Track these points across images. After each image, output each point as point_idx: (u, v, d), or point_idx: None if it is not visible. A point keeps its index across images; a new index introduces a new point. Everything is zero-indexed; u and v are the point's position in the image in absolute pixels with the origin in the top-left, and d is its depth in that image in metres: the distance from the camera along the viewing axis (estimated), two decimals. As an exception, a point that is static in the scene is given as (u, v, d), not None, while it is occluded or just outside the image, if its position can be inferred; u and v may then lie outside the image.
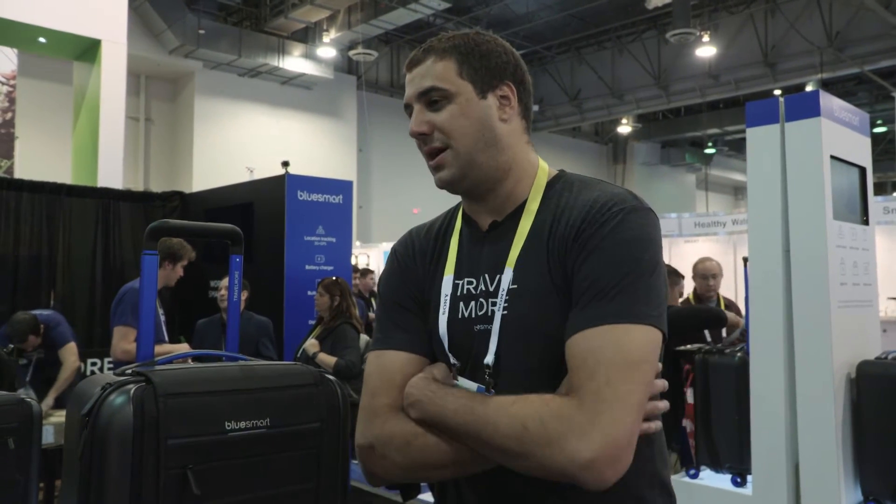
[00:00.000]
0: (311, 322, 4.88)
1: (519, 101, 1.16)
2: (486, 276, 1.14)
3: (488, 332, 1.10)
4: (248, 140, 14.98)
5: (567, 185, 1.16)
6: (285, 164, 5.32)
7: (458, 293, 1.16)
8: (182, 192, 6.44)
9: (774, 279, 2.64)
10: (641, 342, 1.00)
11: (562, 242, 1.08)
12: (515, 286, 1.09)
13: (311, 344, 4.43)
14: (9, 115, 9.61)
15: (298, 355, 4.48)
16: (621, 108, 17.76)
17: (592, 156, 22.38)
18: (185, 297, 5.77)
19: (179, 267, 3.94)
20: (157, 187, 12.23)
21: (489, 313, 1.11)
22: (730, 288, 8.49)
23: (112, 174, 7.16)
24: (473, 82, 1.12)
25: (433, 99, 1.12)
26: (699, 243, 8.97)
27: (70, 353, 4.47)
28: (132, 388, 0.88)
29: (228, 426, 0.91)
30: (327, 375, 1.03)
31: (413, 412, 1.06)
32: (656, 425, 1.07)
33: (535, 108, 17.96)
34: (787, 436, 2.60)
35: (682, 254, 9.20)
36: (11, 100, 9.56)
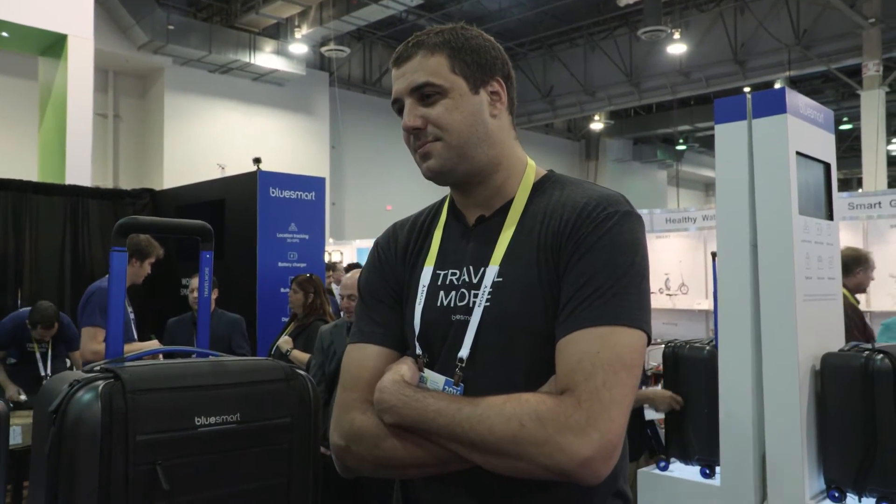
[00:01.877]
0: (285, 319, 4.85)
1: (508, 97, 1.18)
2: (471, 268, 1.14)
3: (466, 324, 1.11)
4: (219, 137, 14.83)
5: (556, 183, 1.18)
6: (257, 160, 5.28)
7: (439, 283, 1.17)
8: (152, 190, 6.36)
9: (742, 273, 2.69)
10: (634, 346, 1.02)
11: (555, 238, 1.09)
12: (501, 279, 1.10)
13: (284, 341, 4.41)
14: (-28, 112, 9.38)
15: (272, 352, 4.46)
16: (593, 105, 17.90)
17: (565, 152, 22.53)
18: (156, 296, 5.71)
19: (147, 264, 3.89)
20: (126, 185, 12.05)
21: (470, 304, 1.12)
22: (699, 282, 8.61)
23: (80, 171, 7.05)
24: (466, 78, 1.13)
25: (426, 94, 1.12)
26: (670, 238, 9.06)
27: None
28: (100, 384, 0.88)
29: (198, 421, 0.91)
30: (298, 371, 1.03)
31: (388, 418, 1.06)
32: None
33: (509, 104, 18.17)
34: (754, 427, 2.65)
35: (653, 249, 9.29)
36: (-25, 95, 9.34)
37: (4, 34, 7.72)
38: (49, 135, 7.71)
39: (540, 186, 1.17)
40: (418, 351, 1.15)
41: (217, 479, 0.92)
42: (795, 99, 2.73)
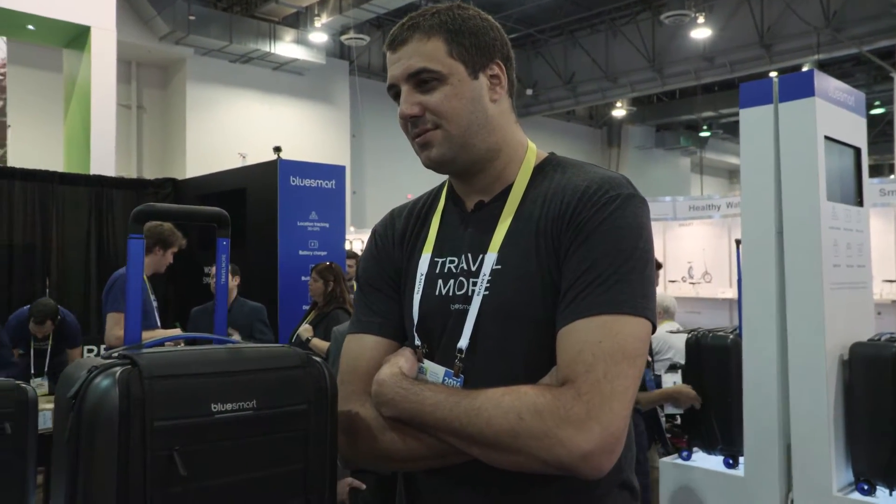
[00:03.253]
0: (306, 307, 4.88)
1: (507, 80, 1.14)
2: (469, 255, 1.12)
3: (465, 313, 1.08)
4: (240, 126, 14.90)
5: (557, 166, 1.14)
6: (277, 149, 5.29)
7: (437, 271, 1.14)
8: (175, 179, 6.42)
9: (767, 261, 2.64)
10: (637, 335, 0.99)
11: (555, 223, 1.06)
12: (499, 267, 1.07)
13: (304, 329, 4.44)
14: (0, 104, 9.51)
15: (293, 340, 4.48)
16: (615, 92, 17.70)
17: (586, 140, 22.34)
18: (180, 285, 5.77)
19: (170, 253, 3.93)
20: (150, 174, 12.17)
21: (468, 293, 1.09)
22: (723, 271, 8.51)
23: (104, 162, 7.12)
24: (465, 62, 1.09)
25: (423, 80, 1.08)
26: (694, 227, 8.97)
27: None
28: (118, 370, 0.87)
29: (215, 408, 0.90)
30: (314, 357, 1.02)
31: (386, 411, 1.05)
32: None
33: (529, 92, 17.93)
34: (779, 417, 2.61)
35: (676, 237, 9.21)
36: (2, 88, 9.47)
37: (30, 27, 7.81)
38: (74, 126, 7.80)
39: (541, 170, 1.14)
40: (417, 342, 1.13)
41: (234, 465, 0.92)
42: (824, 82, 2.67)
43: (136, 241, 1.05)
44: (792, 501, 2.58)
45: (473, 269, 1.10)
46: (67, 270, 5.65)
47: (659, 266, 4.58)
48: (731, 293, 7.96)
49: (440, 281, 1.13)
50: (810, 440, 2.53)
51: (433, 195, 1.25)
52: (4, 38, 9.17)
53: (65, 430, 0.88)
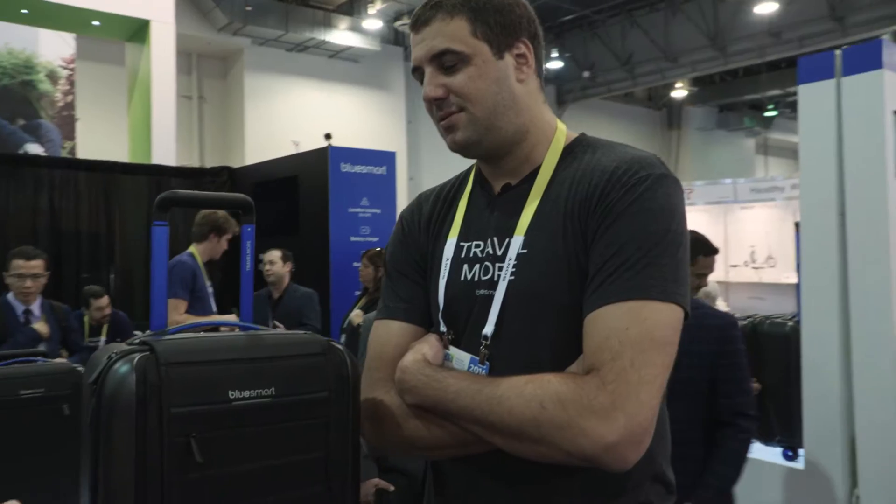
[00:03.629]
0: (357, 293, 4.91)
1: (535, 58, 1.10)
2: (495, 239, 1.08)
3: (490, 299, 1.05)
4: (297, 114, 15.10)
5: (587, 147, 1.10)
6: (327, 136, 5.33)
7: (463, 255, 1.12)
8: (230, 167, 6.55)
9: (828, 243, 2.51)
10: (667, 322, 0.94)
11: (583, 205, 1.02)
12: (525, 251, 1.04)
13: (355, 315, 4.46)
14: (70, 98, 9.89)
15: (344, 326, 4.53)
16: (675, 72, 17.19)
17: (645, 122, 21.83)
18: (237, 270, 5.88)
19: (224, 240, 4.00)
20: (211, 163, 12.43)
21: (494, 278, 1.06)
22: (788, 255, 8.21)
23: (165, 151, 7.32)
24: (489, 42, 1.05)
25: (447, 61, 1.05)
26: (756, 210, 8.68)
27: None
28: (136, 356, 0.87)
29: (232, 395, 0.90)
30: (336, 345, 1.00)
31: (408, 398, 1.04)
32: None
33: (586, 74, 17.61)
34: (841, 408, 2.49)
35: (737, 220, 8.92)
36: (71, 83, 9.83)
37: (95, 23, 8.08)
38: (136, 117, 8.04)
39: (570, 151, 1.10)
40: (443, 328, 1.11)
41: (253, 453, 0.91)
42: (894, 53, 2.51)
43: (159, 229, 1.06)
44: (857, 498, 2.47)
45: (499, 253, 1.07)
46: (130, 258, 5.85)
47: (715, 251, 4.45)
48: (797, 278, 7.69)
49: (465, 266, 1.11)
50: (877, 433, 2.41)
51: (461, 179, 1.22)
52: (73, 35, 9.51)
53: (87, 414, 0.89)
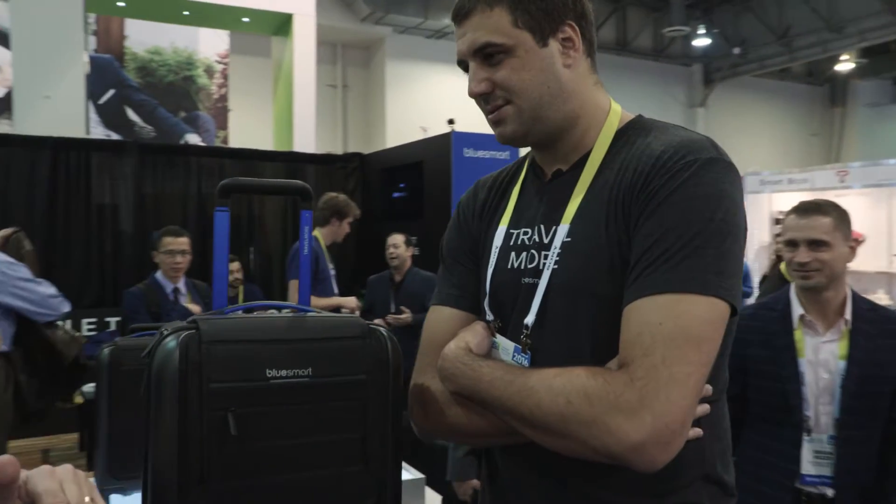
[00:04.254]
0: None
1: (583, 39, 1.05)
2: (542, 227, 1.07)
3: (534, 288, 1.04)
4: (433, 100, 15.34)
5: (641, 130, 1.05)
6: (450, 121, 5.38)
7: (511, 243, 1.11)
8: (362, 154, 6.77)
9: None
10: (705, 318, 0.88)
11: (627, 193, 0.98)
12: (570, 239, 1.01)
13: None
14: (223, 90, 10.61)
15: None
16: (840, 43, 15.75)
17: (803, 100, 20.19)
18: (368, 255, 6.11)
19: (346, 223, 4.16)
20: (354, 149, 12.95)
21: (539, 266, 1.05)
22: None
23: (306, 139, 7.70)
24: (531, 30, 1.02)
25: (489, 54, 1.03)
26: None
27: None
28: (182, 334, 0.93)
29: (270, 374, 0.94)
30: (377, 328, 1.02)
31: (448, 386, 1.05)
32: (702, 409, 0.96)
33: (736, 51, 16.53)
34: None
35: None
36: (225, 76, 10.54)
37: (245, 19, 8.63)
38: (280, 107, 8.51)
39: (623, 135, 1.05)
40: (490, 316, 1.10)
41: (289, 430, 0.95)
42: None
43: (221, 214, 1.12)
44: None
45: (546, 241, 1.06)
46: (269, 239, 6.24)
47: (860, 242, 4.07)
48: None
49: (513, 254, 1.10)
50: None
51: (517, 165, 1.20)
52: (227, 32, 10.20)
53: (142, 384, 0.97)
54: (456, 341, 1.07)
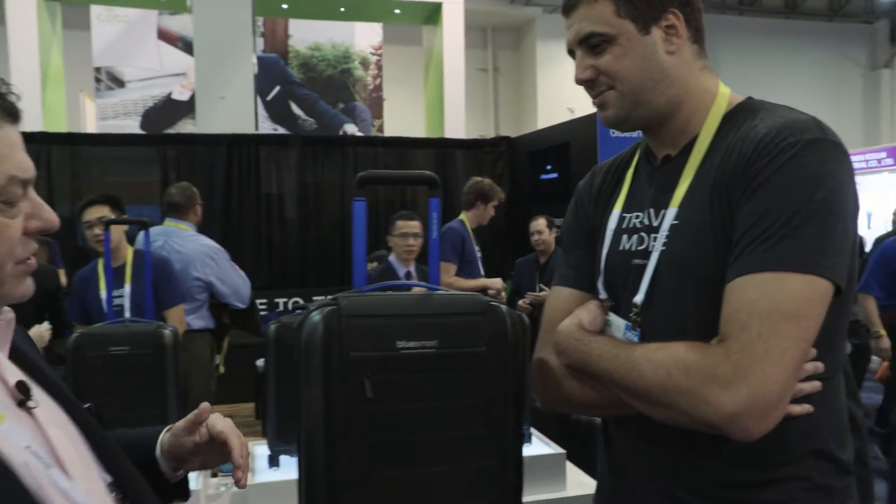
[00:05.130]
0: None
1: (688, 26, 1.08)
2: (652, 210, 1.12)
3: (643, 268, 1.09)
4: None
5: (749, 113, 1.06)
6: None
7: (624, 226, 1.16)
8: (509, 138, 6.85)
9: None
10: (804, 295, 0.90)
11: (731, 175, 1.01)
12: (677, 222, 1.05)
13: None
14: (378, 81, 11.07)
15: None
16: None
17: None
18: (515, 236, 6.21)
19: (490, 207, 4.27)
20: (506, 132, 13.07)
21: (649, 248, 1.10)
22: None
23: (456, 124, 7.92)
24: (634, 19, 1.07)
25: (594, 43, 1.09)
26: None
27: None
28: (325, 309, 1.07)
29: (400, 345, 1.06)
30: (498, 305, 1.11)
31: (562, 359, 1.12)
32: (811, 386, 0.96)
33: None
34: None
35: None
36: (379, 67, 10.99)
37: (397, 11, 8.99)
38: (431, 94, 8.79)
39: (731, 118, 1.07)
40: (603, 295, 1.16)
41: (418, 395, 1.06)
42: None
43: (359, 203, 1.25)
44: None
45: (655, 224, 1.10)
46: (423, 223, 6.49)
47: None
48: None
49: (625, 236, 1.15)
50: None
51: (632, 151, 1.25)
52: (380, 24, 10.65)
53: (294, 352, 1.12)
54: (570, 319, 1.14)
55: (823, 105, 13.27)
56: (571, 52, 1.15)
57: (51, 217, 0.88)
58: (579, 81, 1.13)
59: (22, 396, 0.84)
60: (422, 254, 4.07)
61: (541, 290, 4.62)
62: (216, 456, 1.10)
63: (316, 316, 1.07)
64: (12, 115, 0.84)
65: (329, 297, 1.14)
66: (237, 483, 1.05)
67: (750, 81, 13.05)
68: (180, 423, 1.10)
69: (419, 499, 1.08)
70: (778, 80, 13.73)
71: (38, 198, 0.87)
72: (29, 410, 0.84)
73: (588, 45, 1.10)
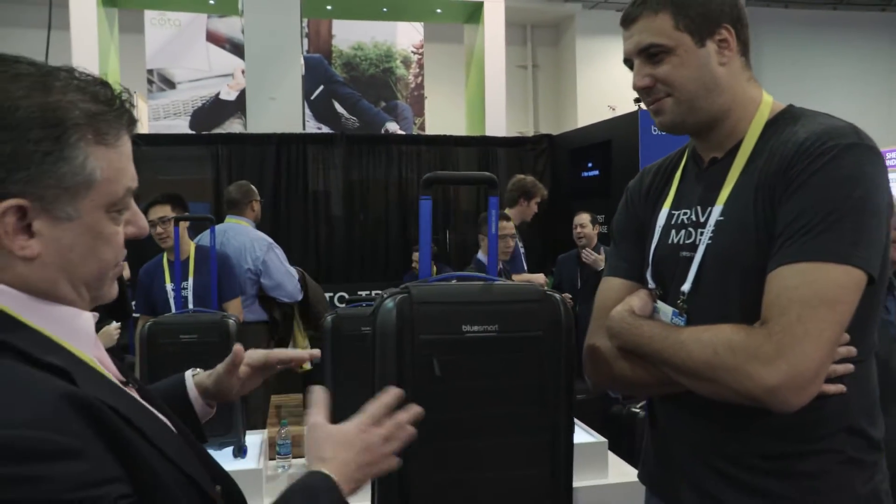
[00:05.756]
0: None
1: (738, 40, 1.19)
2: (699, 207, 1.22)
3: (691, 260, 1.19)
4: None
5: (790, 119, 1.18)
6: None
7: (673, 222, 1.26)
8: (550, 135, 6.92)
9: None
10: (839, 282, 1.00)
11: (773, 176, 1.11)
12: (723, 218, 1.16)
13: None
14: (419, 79, 11.21)
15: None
16: None
17: None
18: (556, 233, 6.28)
19: (533, 203, 4.36)
20: (546, 129, 13.08)
21: (696, 241, 1.20)
22: None
23: (497, 122, 7.99)
24: (691, 32, 1.17)
25: (652, 53, 1.19)
26: None
27: None
28: (398, 297, 1.20)
29: (465, 329, 1.18)
30: (552, 294, 1.22)
31: (614, 342, 1.23)
32: (844, 368, 1.07)
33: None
34: None
35: None
36: (420, 66, 11.13)
37: (438, 10, 9.11)
38: (472, 92, 8.88)
39: (773, 124, 1.18)
40: (651, 284, 1.26)
41: (480, 374, 1.18)
42: None
43: (425, 202, 1.38)
44: None
45: (702, 220, 1.21)
46: (464, 223, 6.62)
47: None
48: None
49: (673, 231, 1.26)
50: None
51: (680, 153, 1.34)
52: (421, 24, 10.78)
53: (369, 336, 1.25)
54: (622, 305, 1.26)
55: (874, 99, 12.99)
56: (628, 62, 1.26)
57: (144, 224, 0.91)
58: (637, 88, 1.24)
59: (124, 378, 0.92)
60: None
61: (589, 255, 4.72)
62: (253, 381, 1.26)
63: (389, 303, 1.20)
64: (131, 125, 0.89)
65: (402, 286, 1.27)
66: (302, 364, 1.25)
67: (795, 76, 12.88)
68: (220, 367, 1.23)
69: (481, 468, 1.20)
70: (825, 74, 13.46)
71: (136, 205, 0.89)
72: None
73: (647, 54, 1.21)
